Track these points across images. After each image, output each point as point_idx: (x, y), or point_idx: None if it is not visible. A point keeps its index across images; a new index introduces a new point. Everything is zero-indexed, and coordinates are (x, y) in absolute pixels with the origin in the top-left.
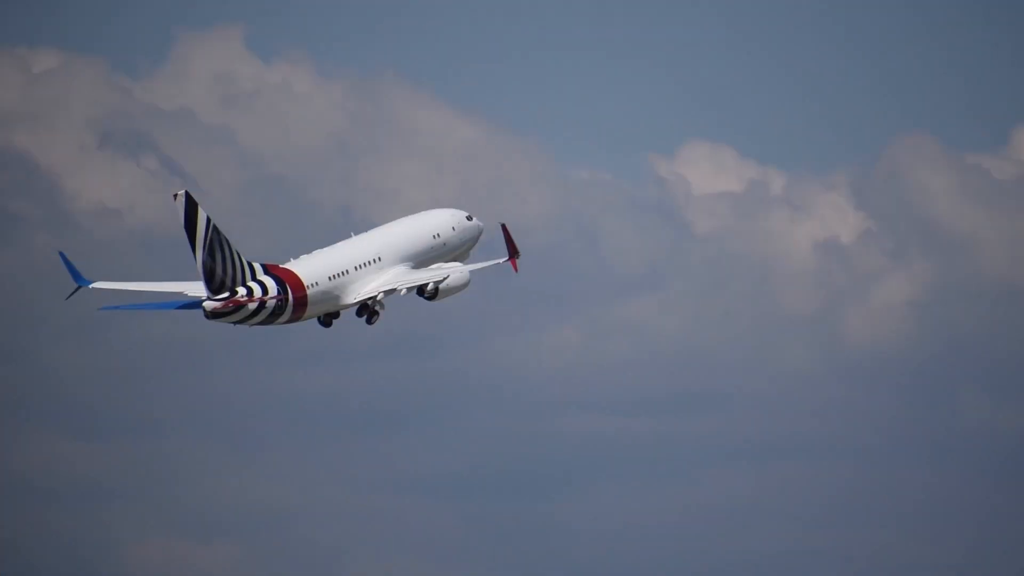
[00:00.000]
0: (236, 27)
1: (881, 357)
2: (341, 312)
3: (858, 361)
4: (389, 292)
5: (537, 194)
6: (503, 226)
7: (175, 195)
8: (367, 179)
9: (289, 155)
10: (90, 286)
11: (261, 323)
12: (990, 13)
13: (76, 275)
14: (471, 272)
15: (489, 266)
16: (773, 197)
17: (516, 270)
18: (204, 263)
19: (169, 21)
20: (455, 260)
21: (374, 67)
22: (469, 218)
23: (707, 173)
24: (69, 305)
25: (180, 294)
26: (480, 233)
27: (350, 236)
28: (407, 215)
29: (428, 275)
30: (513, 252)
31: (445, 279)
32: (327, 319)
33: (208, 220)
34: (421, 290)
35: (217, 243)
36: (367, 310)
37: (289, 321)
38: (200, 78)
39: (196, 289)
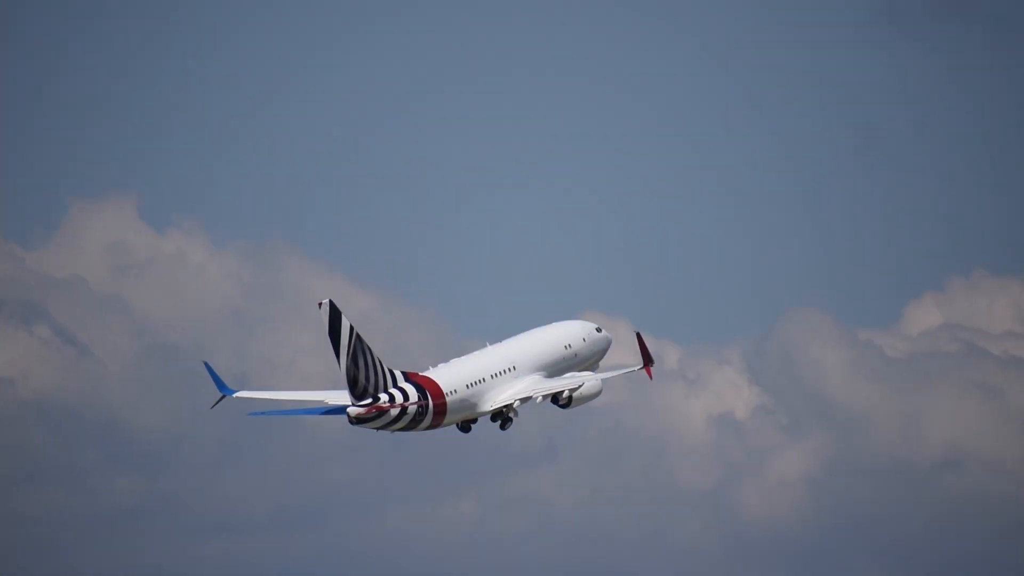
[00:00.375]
0: (130, 196)
1: (776, 533)
2: (479, 419)
3: (753, 537)
4: (525, 400)
5: (433, 363)
6: (638, 334)
7: (319, 303)
8: (261, 348)
9: (183, 324)
10: (233, 395)
11: (403, 429)
12: (884, 194)
13: (220, 384)
14: (604, 380)
15: (623, 374)
16: (668, 370)
17: (651, 377)
18: (348, 370)
19: (62, 190)
20: (585, 370)
21: (268, 237)
22: (599, 330)
23: None
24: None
25: (321, 402)
26: (608, 345)
27: (485, 346)
28: (538, 326)
29: (563, 383)
30: (648, 360)
31: (579, 387)
32: (465, 425)
33: (351, 328)
34: (556, 398)
35: (360, 351)
36: (501, 416)
37: (430, 427)
38: (93, 247)
39: (337, 397)
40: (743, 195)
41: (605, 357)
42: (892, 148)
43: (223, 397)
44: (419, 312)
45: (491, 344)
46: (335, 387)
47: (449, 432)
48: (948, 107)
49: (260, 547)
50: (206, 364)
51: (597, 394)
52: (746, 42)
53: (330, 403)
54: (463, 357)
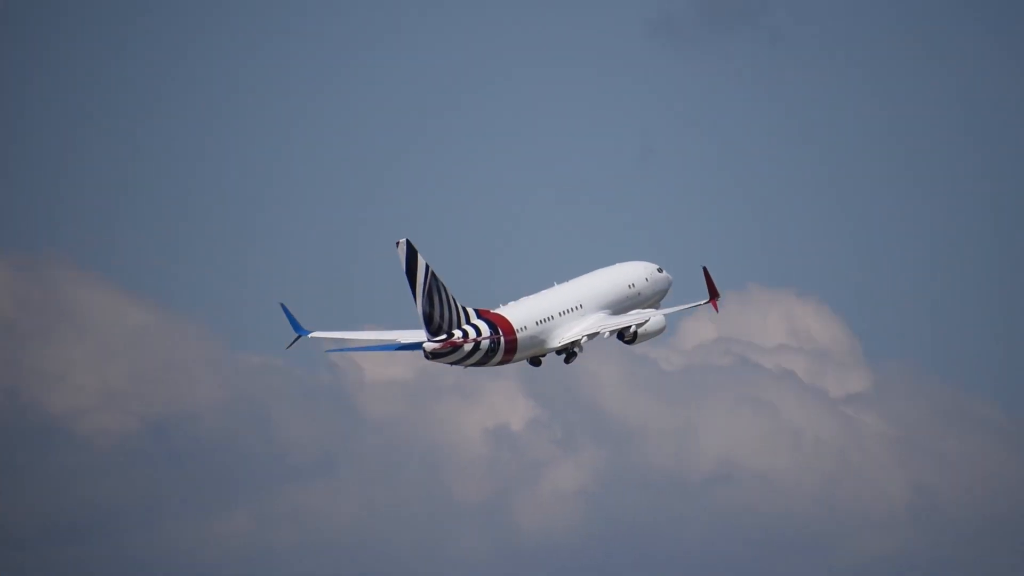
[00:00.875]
0: None
1: (551, 545)
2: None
3: (529, 549)
4: (592, 335)
5: (209, 379)
6: (704, 268)
7: (397, 243)
8: (33, 362)
9: None
10: (308, 335)
11: (476, 364)
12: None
13: (296, 325)
14: (667, 316)
15: (688, 308)
16: (444, 384)
17: (716, 310)
18: (423, 307)
19: None
20: (648, 308)
21: (41, 248)
22: (660, 270)
23: (380, 360)
24: None
25: (394, 340)
26: (669, 285)
27: (552, 285)
28: (602, 267)
29: (629, 319)
30: (714, 294)
31: (645, 323)
32: (535, 360)
33: (427, 267)
34: (622, 334)
35: (435, 288)
36: (566, 351)
37: (500, 363)
38: None
39: (408, 336)
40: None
41: (665, 297)
42: (669, 159)
43: (298, 337)
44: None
45: (558, 283)
46: (401, 327)
47: (228, 443)
48: (722, 118)
49: (30, 562)
50: (282, 305)
51: (661, 330)
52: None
53: (405, 340)
54: (533, 295)
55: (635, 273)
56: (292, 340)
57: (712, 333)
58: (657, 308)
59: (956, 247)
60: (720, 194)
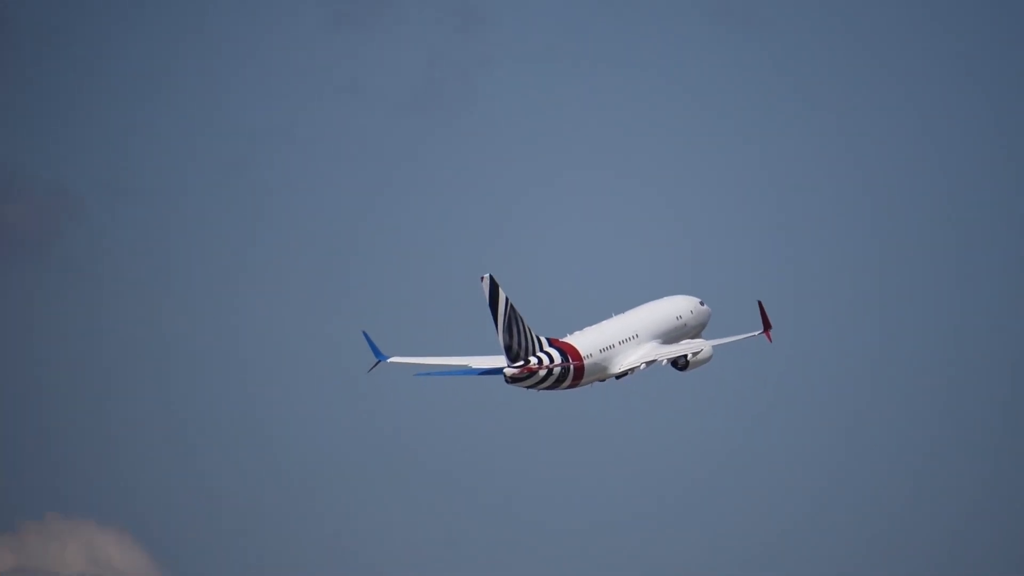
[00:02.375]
0: None
1: None
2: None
3: None
4: (650, 362)
5: None
6: (759, 303)
7: (481, 278)
8: None
9: None
10: (387, 360)
11: (548, 388)
12: None
13: (376, 351)
14: (717, 347)
15: (743, 339)
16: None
17: (770, 340)
18: (503, 337)
19: None
20: (693, 338)
21: None
22: (702, 303)
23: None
24: None
25: (466, 365)
26: (709, 317)
27: (611, 316)
28: (651, 300)
29: (684, 348)
30: (767, 325)
31: (699, 352)
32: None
33: (507, 300)
34: (676, 362)
35: (514, 320)
36: (624, 375)
37: (569, 386)
38: None
39: (481, 362)
40: None
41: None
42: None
43: (378, 362)
44: None
45: (616, 314)
46: (470, 353)
47: None
48: None
49: None
50: (364, 333)
51: (710, 359)
52: None
53: (475, 367)
54: (595, 326)
55: (682, 306)
56: (372, 364)
57: (11, 561)
58: (698, 337)
59: None
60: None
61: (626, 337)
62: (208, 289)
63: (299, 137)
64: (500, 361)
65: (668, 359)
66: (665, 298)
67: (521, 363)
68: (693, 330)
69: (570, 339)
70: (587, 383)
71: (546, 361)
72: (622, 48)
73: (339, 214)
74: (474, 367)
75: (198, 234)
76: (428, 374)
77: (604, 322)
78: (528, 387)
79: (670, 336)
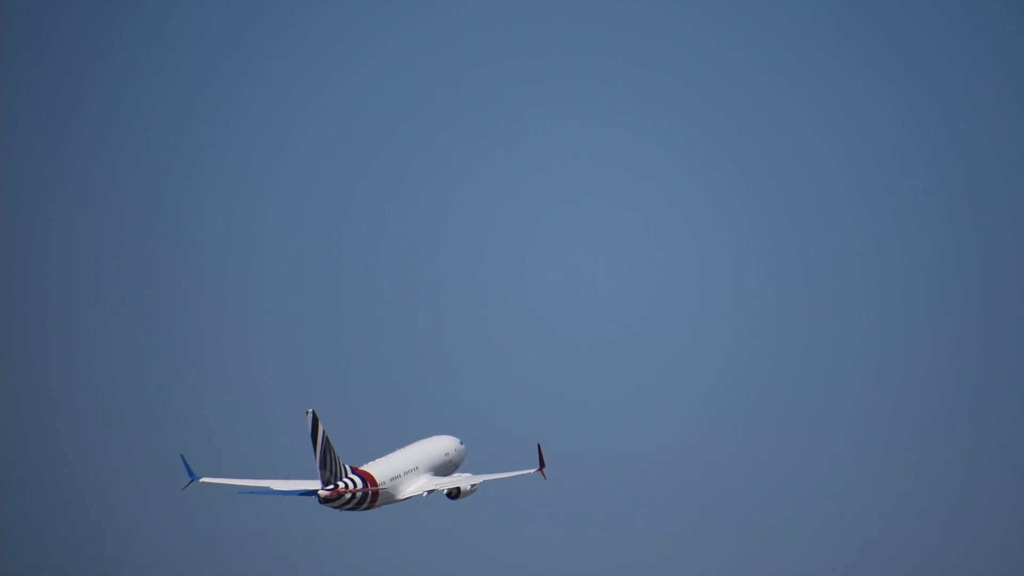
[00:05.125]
0: None
1: None
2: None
3: None
4: (431, 491)
5: None
6: (538, 445)
7: (307, 412)
8: None
9: None
10: (199, 480)
11: (351, 509)
12: None
13: (190, 471)
14: (493, 481)
15: (519, 475)
16: None
17: (545, 478)
18: (320, 462)
19: None
20: (454, 473)
21: None
22: (461, 443)
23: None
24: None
25: (267, 487)
26: (465, 456)
27: (394, 450)
28: (421, 439)
29: (460, 480)
30: (543, 464)
31: (472, 485)
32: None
33: (324, 433)
34: (450, 492)
35: (327, 449)
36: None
37: (366, 508)
38: None
39: (287, 484)
40: None
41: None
42: None
43: (191, 481)
44: None
45: (399, 448)
46: (272, 477)
47: None
48: None
49: None
50: (181, 456)
51: (474, 490)
52: None
53: (275, 488)
54: (383, 458)
55: (447, 445)
56: (186, 483)
57: None
58: (457, 470)
59: None
60: None
61: (409, 468)
62: None
63: None
64: (307, 484)
65: (445, 488)
66: (434, 437)
67: (331, 487)
68: (456, 465)
69: (368, 467)
70: (380, 506)
71: (351, 485)
72: None
73: None
74: (275, 488)
75: None
76: (251, 492)
77: (390, 455)
78: (337, 507)
79: (441, 470)
